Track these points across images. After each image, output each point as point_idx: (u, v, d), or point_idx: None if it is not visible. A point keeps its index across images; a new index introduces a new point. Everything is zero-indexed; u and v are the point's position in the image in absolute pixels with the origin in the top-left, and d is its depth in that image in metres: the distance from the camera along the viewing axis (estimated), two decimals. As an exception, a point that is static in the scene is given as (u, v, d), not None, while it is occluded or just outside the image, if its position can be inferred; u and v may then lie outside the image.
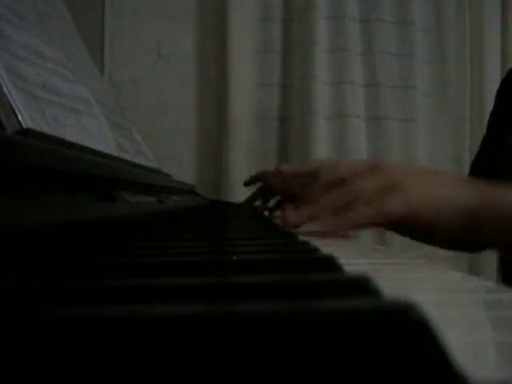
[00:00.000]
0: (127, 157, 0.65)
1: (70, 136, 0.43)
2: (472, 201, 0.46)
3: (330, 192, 0.49)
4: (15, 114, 0.34)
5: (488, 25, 1.56)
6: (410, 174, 0.49)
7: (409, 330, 0.12)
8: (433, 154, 1.51)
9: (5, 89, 0.34)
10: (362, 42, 1.47)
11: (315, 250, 0.32)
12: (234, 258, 0.27)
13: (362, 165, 0.51)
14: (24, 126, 0.34)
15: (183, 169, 1.37)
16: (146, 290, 0.18)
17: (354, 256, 0.36)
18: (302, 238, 0.42)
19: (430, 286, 0.25)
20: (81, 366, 0.11)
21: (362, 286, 0.18)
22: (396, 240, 0.50)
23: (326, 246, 0.33)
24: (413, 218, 0.46)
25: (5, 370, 0.11)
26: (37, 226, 0.25)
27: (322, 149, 1.39)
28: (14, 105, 0.34)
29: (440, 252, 0.68)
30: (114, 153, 0.57)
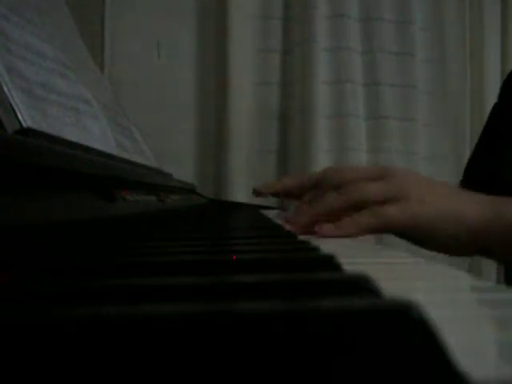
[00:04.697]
0: (127, 156, 0.65)
1: (70, 135, 0.43)
2: (478, 217, 0.45)
3: (332, 194, 0.48)
4: (15, 114, 0.34)
5: (488, 24, 1.56)
6: (416, 185, 0.48)
7: (409, 329, 0.12)
8: (433, 154, 1.51)
9: (5, 88, 0.34)
10: (361, 40, 1.47)
11: (315, 249, 0.32)
12: (234, 257, 0.27)
13: (367, 170, 0.50)
14: (24, 126, 0.34)
15: (183, 168, 1.37)
16: (145, 289, 0.18)
17: (354, 255, 0.36)
18: (301, 237, 0.42)
19: (430, 285, 0.25)
20: (81, 366, 0.11)
21: (361, 285, 0.18)
22: (396, 240, 0.50)
23: (326, 245, 0.33)
24: (415, 230, 0.46)
25: (5, 370, 0.11)
26: (37, 225, 0.25)
27: (322, 148, 1.39)
28: (14, 104, 0.34)
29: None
30: (114, 152, 0.57)
